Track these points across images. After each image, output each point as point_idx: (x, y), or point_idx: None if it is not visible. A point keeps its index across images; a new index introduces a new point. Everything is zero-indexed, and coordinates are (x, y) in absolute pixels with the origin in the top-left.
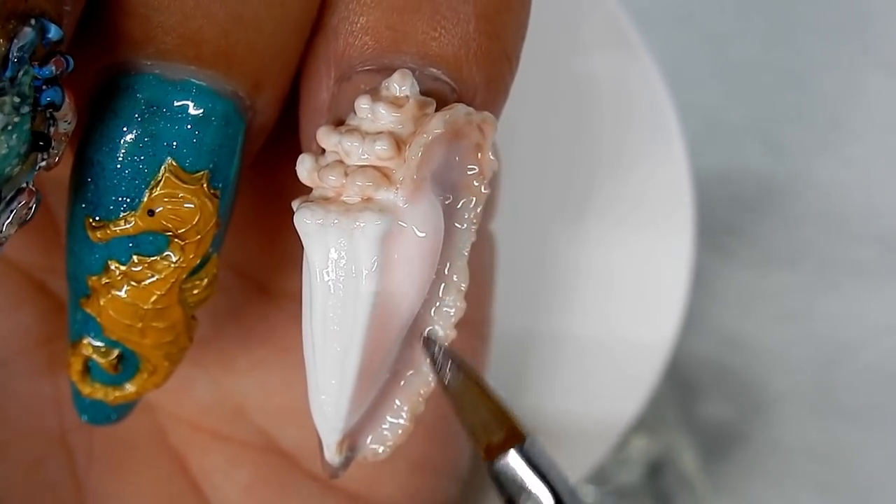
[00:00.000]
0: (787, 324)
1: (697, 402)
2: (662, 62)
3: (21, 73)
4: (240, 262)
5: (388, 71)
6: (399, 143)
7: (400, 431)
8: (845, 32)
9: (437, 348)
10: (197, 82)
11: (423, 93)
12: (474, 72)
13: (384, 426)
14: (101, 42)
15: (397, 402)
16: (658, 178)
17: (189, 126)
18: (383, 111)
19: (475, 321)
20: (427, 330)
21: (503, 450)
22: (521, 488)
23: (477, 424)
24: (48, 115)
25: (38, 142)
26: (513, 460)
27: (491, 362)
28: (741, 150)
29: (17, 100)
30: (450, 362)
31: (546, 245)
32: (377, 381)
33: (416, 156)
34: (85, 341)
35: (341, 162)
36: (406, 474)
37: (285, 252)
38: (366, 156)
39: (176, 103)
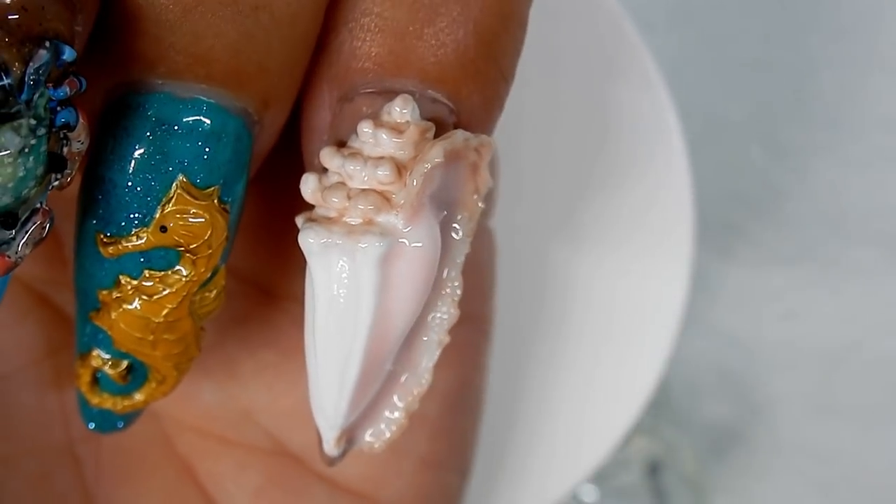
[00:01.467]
0: (787, 324)
1: (697, 402)
2: (662, 62)
3: (37, 95)
4: (243, 267)
5: (390, 95)
6: (400, 168)
7: (395, 427)
8: (845, 32)
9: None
10: (207, 100)
11: (423, 114)
12: (472, 93)
13: (381, 423)
14: (112, 60)
15: (394, 399)
16: (658, 179)
17: (200, 143)
18: (385, 137)
19: (477, 317)
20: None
21: None
22: None
23: None
24: (62, 135)
25: (55, 163)
26: None
27: (491, 359)
28: (741, 150)
29: (33, 122)
30: None
31: (545, 244)
32: (376, 383)
33: (416, 183)
34: (94, 353)
35: (344, 184)
36: (414, 471)
37: (288, 255)
38: (368, 180)
39: (187, 121)
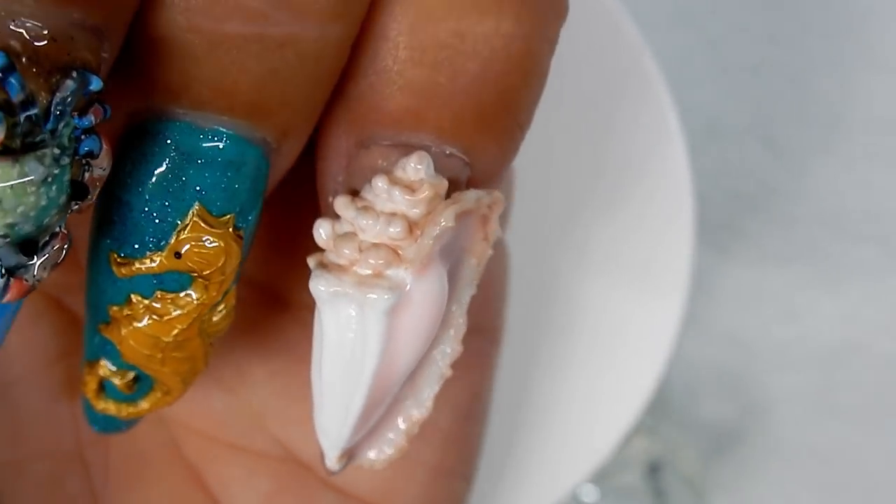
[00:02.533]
0: (787, 324)
1: (697, 402)
2: (662, 62)
3: (62, 125)
4: (256, 273)
5: (406, 149)
6: (411, 225)
7: (395, 449)
8: (845, 32)
9: None
10: (228, 131)
11: (438, 168)
12: (488, 145)
13: (383, 443)
14: (135, 87)
15: (397, 422)
16: (658, 178)
17: (218, 173)
18: (399, 195)
19: (490, 328)
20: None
21: None
22: None
23: None
24: (85, 162)
25: (77, 190)
26: None
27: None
28: (741, 150)
29: (57, 151)
30: None
31: (544, 244)
32: (379, 411)
33: (427, 244)
34: (101, 363)
35: (356, 235)
36: (424, 480)
37: (302, 263)
38: (380, 235)
39: (206, 150)
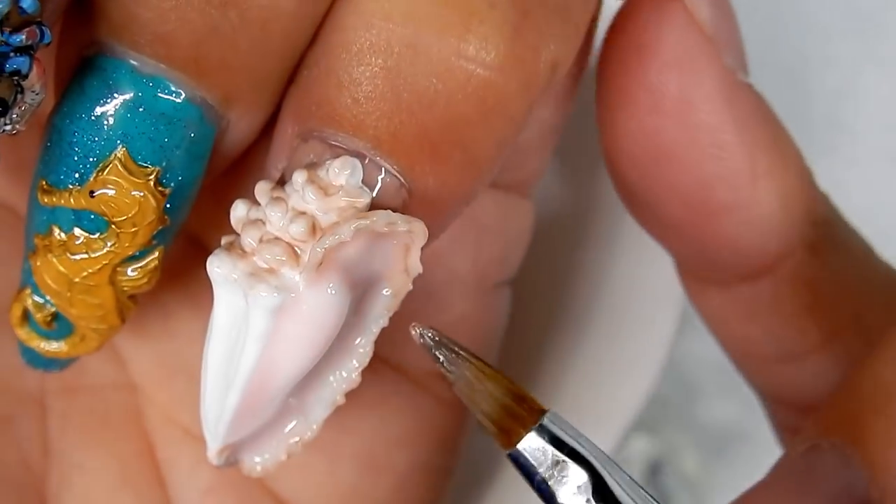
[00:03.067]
0: None
1: (697, 402)
2: None
3: None
4: None
5: (338, 151)
6: (316, 228)
7: (272, 462)
8: (845, 32)
9: (430, 339)
10: (167, 81)
11: (368, 181)
12: (427, 174)
13: (266, 451)
14: (85, 19)
15: (283, 433)
16: None
17: (149, 122)
18: (312, 195)
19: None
20: (413, 326)
21: (522, 430)
22: (551, 466)
23: (489, 411)
24: (15, 82)
25: (2, 108)
26: (534, 440)
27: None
28: None
29: None
30: (448, 352)
31: (544, 243)
32: (259, 417)
33: (318, 252)
34: (27, 291)
35: (263, 224)
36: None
37: None
38: (283, 230)
39: (142, 98)
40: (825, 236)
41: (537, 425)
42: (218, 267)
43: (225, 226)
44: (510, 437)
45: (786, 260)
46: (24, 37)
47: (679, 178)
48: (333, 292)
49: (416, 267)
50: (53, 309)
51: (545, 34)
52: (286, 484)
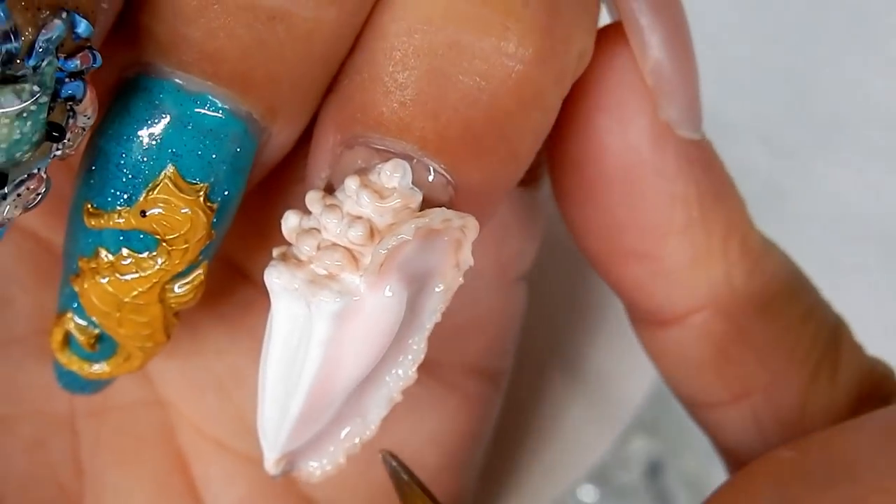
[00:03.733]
0: None
1: None
2: None
3: (45, 63)
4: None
5: (387, 154)
6: (374, 231)
7: (332, 465)
8: (845, 32)
9: (392, 466)
10: (212, 98)
11: (417, 182)
12: (473, 169)
13: (324, 456)
14: (129, 39)
15: (340, 437)
16: None
17: (197, 139)
18: (367, 199)
19: (495, 372)
20: (382, 452)
21: None
22: None
23: None
24: (68, 107)
25: (53, 132)
26: None
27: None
28: (741, 150)
29: (36, 88)
30: (407, 478)
31: (543, 243)
32: (320, 421)
33: (381, 253)
34: (69, 315)
35: (318, 232)
36: None
37: None
38: (341, 236)
39: (188, 115)
40: (743, 301)
41: None
42: (277, 278)
43: (247, 237)
44: None
45: (693, 315)
46: (78, 62)
47: (594, 216)
48: (393, 293)
49: (468, 261)
50: (98, 331)
51: (573, 26)
52: (320, 488)
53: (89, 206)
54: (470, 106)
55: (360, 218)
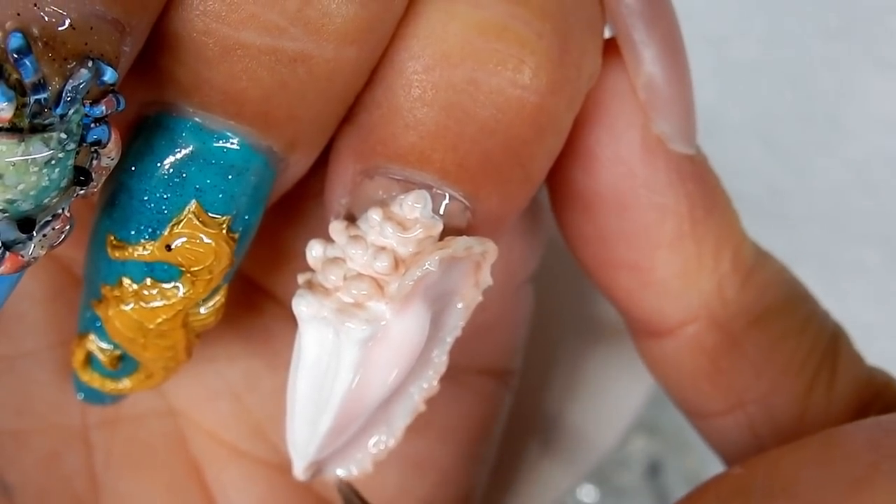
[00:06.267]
0: None
1: None
2: None
3: (72, 111)
4: (274, 286)
5: (407, 186)
6: (398, 261)
7: (359, 471)
8: (845, 32)
9: (345, 492)
10: (234, 135)
11: (436, 208)
12: (491, 194)
13: (351, 463)
14: (151, 80)
15: (367, 445)
16: None
17: (220, 175)
18: (391, 230)
19: (505, 372)
20: (337, 482)
21: None
22: None
23: None
24: (93, 150)
25: (80, 176)
26: None
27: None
28: (741, 150)
29: (63, 136)
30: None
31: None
32: (348, 433)
33: (409, 284)
34: (90, 337)
35: (344, 262)
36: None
37: None
38: (366, 266)
39: (211, 152)
40: (736, 313)
41: None
42: (305, 306)
43: (257, 249)
44: None
45: (685, 327)
46: (103, 108)
47: (586, 226)
48: (417, 316)
49: (487, 281)
50: (120, 352)
51: (583, 51)
52: (335, 491)
53: (112, 238)
54: (488, 137)
55: (384, 249)
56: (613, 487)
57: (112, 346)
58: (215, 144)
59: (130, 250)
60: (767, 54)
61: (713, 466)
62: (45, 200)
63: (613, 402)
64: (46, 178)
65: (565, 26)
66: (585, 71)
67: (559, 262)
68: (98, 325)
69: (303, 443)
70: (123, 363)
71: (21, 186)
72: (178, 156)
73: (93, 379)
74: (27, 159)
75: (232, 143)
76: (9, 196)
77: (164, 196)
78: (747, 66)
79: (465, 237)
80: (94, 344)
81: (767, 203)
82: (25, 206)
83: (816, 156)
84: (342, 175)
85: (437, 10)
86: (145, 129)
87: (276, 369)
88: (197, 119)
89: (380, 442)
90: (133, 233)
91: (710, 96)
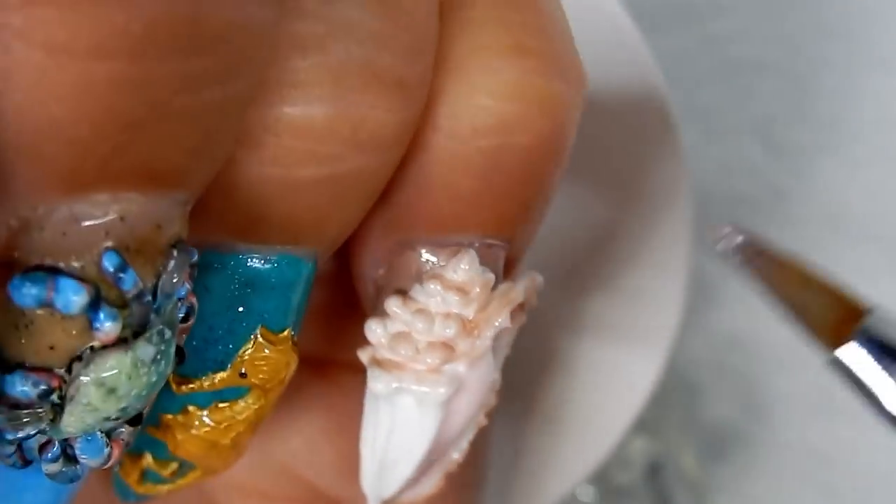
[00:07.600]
0: (787, 324)
1: (698, 403)
2: (662, 62)
3: (168, 304)
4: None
5: (452, 249)
6: (465, 323)
7: (430, 487)
8: (845, 32)
9: (739, 243)
10: (289, 257)
11: (482, 259)
12: (525, 231)
13: (423, 486)
14: (201, 223)
15: (431, 474)
16: (657, 178)
17: (280, 295)
18: (454, 299)
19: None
20: (714, 226)
21: (845, 331)
22: (877, 369)
23: (809, 312)
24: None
25: (179, 357)
26: (860, 341)
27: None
28: (741, 150)
29: (161, 327)
30: (760, 253)
31: (543, 244)
32: (425, 472)
33: (486, 345)
34: (146, 455)
35: (410, 335)
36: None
37: (332, 324)
38: (436, 335)
39: (268, 277)
40: None
41: (860, 328)
42: (383, 384)
43: None
44: (833, 338)
45: None
46: (189, 286)
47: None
48: (489, 360)
49: (533, 304)
50: (178, 461)
51: (579, 80)
52: None
53: (174, 376)
54: (521, 187)
55: (449, 316)
56: (613, 487)
57: (171, 459)
58: (270, 267)
59: (198, 384)
60: (767, 54)
61: (713, 466)
62: (154, 392)
63: (613, 402)
64: (155, 374)
65: (560, 53)
66: (580, 97)
67: (559, 261)
68: (156, 446)
69: (383, 491)
70: (181, 469)
71: (134, 392)
72: (237, 290)
73: (149, 489)
74: (137, 366)
75: (287, 262)
76: (123, 405)
77: (229, 332)
78: (747, 66)
79: (522, 283)
80: (150, 461)
81: (767, 203)
82: (138, 407)
83: (816, 156)
84: (375, 248)
85: (459, 84)
86: (199, 271)
87: (294, 414)
88: (252, 253)
89: (448, 460)
90: (199, 369)
91: (710, 96)
